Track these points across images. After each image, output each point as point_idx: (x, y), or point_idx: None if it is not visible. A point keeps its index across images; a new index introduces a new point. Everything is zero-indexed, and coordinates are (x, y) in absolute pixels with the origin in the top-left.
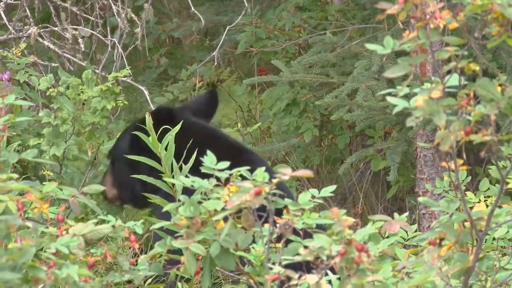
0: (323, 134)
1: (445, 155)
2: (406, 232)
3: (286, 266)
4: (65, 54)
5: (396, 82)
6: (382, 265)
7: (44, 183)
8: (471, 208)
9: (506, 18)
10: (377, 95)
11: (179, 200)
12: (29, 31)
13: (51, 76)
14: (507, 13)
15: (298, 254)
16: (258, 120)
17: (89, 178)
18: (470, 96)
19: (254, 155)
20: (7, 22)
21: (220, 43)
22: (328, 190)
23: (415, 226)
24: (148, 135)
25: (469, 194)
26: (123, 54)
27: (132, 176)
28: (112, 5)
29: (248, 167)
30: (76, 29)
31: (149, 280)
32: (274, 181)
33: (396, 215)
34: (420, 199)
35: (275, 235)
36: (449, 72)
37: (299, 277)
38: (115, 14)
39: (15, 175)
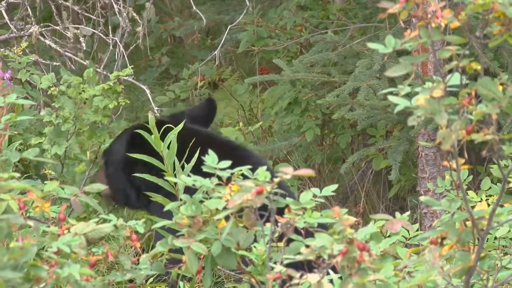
0: (325, 133)
1: (446, 154)
2: (408, 231)
3: (288, 265)
4: (66, 53)
5: (397, 81)
6: (383, 264)
7: (45, 182)
8: (473, 207)
9: (507, 17)
10: (379, 94)
11: (181, 199)
12: (31, 30)
13: (53, 75)
14: (509, 12)
15: (299, 253)
16: (259, 119)
17: (90, 177)
18: (471, 95)
19: (248, 151)
20: (8, 21)
21: (222, 42)
22: (329, 189)
23: (416, 225)
24: (151, 147)
25: (471, 193)
26: (124, 53)
27: (134, 175)
28: (114, 4)
29: (244, 165)
30: (77, 28)
31: (151, 279)
32: (276, 180)
33: (397, 214)
34: (422, 198)
35: (276, 234)
36: (450, 71)
37: (301, 276)
38: (117, 13)
39: (17, 174)
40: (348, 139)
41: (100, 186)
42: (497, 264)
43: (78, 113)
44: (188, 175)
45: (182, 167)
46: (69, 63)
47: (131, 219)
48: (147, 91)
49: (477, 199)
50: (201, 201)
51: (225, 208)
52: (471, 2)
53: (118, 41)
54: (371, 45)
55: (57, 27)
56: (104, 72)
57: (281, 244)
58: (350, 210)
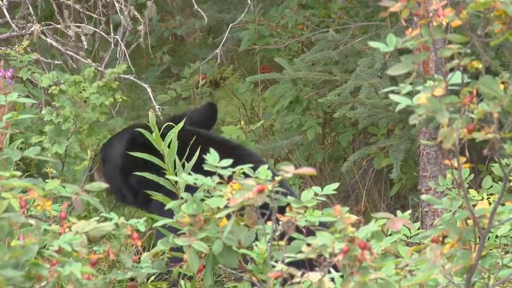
0: (326, 132)
1: (448, 153)
2: (409, 229)
3: (289, 264)
4: (68, 52)
5: (399, 80)
6: (385, 262)
7: (47, 180)
8: (474, 205)
9: (508, 16)
10: (380, 92)
11: (182, 198)
12: (32, 29)
13: (54, 74)
14: (510, 10)
15: (301, 251)
16: (261, 117)
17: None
18: (473, 94)
19: (247, 150)
20: (10, 20)
21: (223, 40)
22: (331, 188)
23: (418, 224)
24: (148, 146)
25: (472, 191)
26: (126, 52)
27: (135, 173)
28: (115, 2)
29: (244, 164)
30: (79, 27)
31: (152, 278)
32: (277, 178)
33: (399, 212)
34: (423, 196)
35: (278, 233)
36: (452, 70)
37: (302, 275)
38: (118, 11)
39: (18, 173)
40: (350, 137)
41: (101, 185)
42: (498, 263)
43: (78, 112)
44: (189, 174)
45: (182, 166)
46: (71, 61)
47: (132, 218)
48: (149, 90)
49: (478, 197)
50: (202, 200)
51: (226, 207)
52: (472, 0)
53: (119, 39)
54: (373, 44)
55: (59, 26)
56: (105, 71)
57: (282, 242)
58: (351, 209)
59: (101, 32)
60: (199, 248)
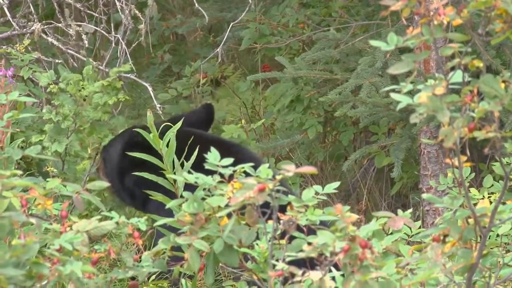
0: (327, 131)
1: (449, 152)
2: (410, 228)
3: (290, 263)
4: (68, 51)
5: (400, 79)
6: (386, 261)
7: (47, 179)
8: (475, 204)
9: (509, 14)
10: (381, 91)
11: (181, 197)
12: (33, 28)
13: (52, 72)
14: (511, 9)
15: (301, 250)
16: (262, 116)
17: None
18: (473, 93)
19: (244, 149)
20: (11, 19)
21: (224, 39)
22: (332, 187)
23: (419, 223)
24: (144, 147)
25: (473, 190)
26: (126, 51)
27: (133, 173)
28: (116, 1)
29: (242, 163)
30: (80, 26)
31: (153, 277)
32: (278, 177)
33: (400, 211)
34: (424, 195)
35: (278, 232)
36: (452, 68)
37: (303, 274)
38: (119, 10)
39: (19, 172)
40: (351, 136)
41: (102, 184)
42: (499, 262)
43: (77, 110)
44: (190, 172)
45: (181, 166)
46: (71, 60)
47: (133, 217)
48: (149, 89)
49: (479, 196)
50: (203, 199)
51: (227, 206)
52: None
53: (120, 38)
54: (373, 43)
55: (59, 25)
56: (107, 70)
57: (283, 241)
58: (352, 208)
59: (102, 31)
60: (200, 247)
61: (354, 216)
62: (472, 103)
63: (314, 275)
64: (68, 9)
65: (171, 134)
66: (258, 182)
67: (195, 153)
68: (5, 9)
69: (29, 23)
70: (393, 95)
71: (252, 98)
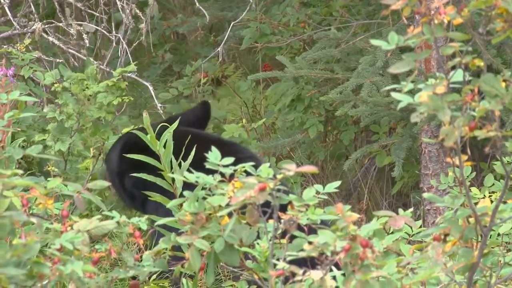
0: (328, 130)
1: (449, 151)
2: (411, 227)
3: (291, 262)
4: (69, 50)
5: (400, 78)
6: (386, 260)
7: (48, 179)
8: (476, 203)
9: (510, 13)
10: (382, 90)
11: (181, 197)
12: (34, 27)
13: (56, 71)
14: (511, 8)
15: (302, 250)
16: (263, 115)
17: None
18: (474, 92)
19: (240, 147)
20: (11, 18)
21: (225, 38)
22: (332, 186)
23: (419, 222)
24: (140, 148)
25: (474, 189)
26: (127, 50)
27: (131, 175)
28: (117, 0)
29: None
30: (80, 25)
31: (154, 276)
32: (279, 176)
33: (400, 210)
34: (425, 195)
35: (279, 231)
36: (453, 67)
37: (304, 273)
38: (120, 9)
39: (20, 171)
40: (351, 135)
41: (103, 183)
42: (500, 261)
43: (81, 109)
44: (190, 172)
45: (178, 166)
46: (72, 59)
47: (134, 216)
48: (150, 88)
49: (480, 195)
50: (204, 198)
51: (228, 205)
52: None
53: (121, 37)
54: (374, 42)
55: (60, 24)
56: (107, 69)
57: (284, 241)
58: (353, 207)
59: (103, 30)
60: (201, 247)
61: (355, 216)
62: (473, 102)
63: (315, 274)
64: (69, 9)
65: (168, 134)
66: (259, 182)
67: (193, 152)
68: (6, 8)
69: (30, 22)
70: (394, 94)
71: (253, 98)
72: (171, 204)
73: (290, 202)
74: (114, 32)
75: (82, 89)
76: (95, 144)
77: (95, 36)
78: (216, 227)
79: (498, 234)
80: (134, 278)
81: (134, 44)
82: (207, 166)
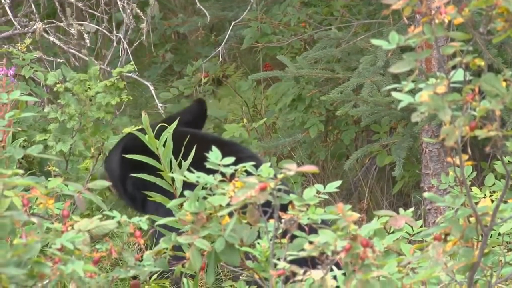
0: (329, 130)
1: (450, 151)
2: (412, 227)
3: (291, 262)
4: (70, 50)
5: (401, 77)
6: (387, 260)
7: (49, 178)
8: (477, 203)
9: (511, 13)
10: (383, 90)
11: (181, 196)
12: (35, 27)
13: (59, 72)
14: None
15: (303, 249)
16: (263, 115)
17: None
18: (475, 92)
19: (239, 146)
20: (12, 18)
21: (226, 38)
22: (333, 186)
23: (420, 222)
24: (140, 150)
25: (475, 189)
26: (128, 50)
27: (132, 176)
28: (118, 0)
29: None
30: (81, 25)
31: (154, 276)
32: (279, 176)
33: (401, 210)
34: (426, 194)
35: (280, 231)
36: (454, 67)
37: (304, 273)
38: (121, 9)
39: (21, 171)
40: (352, 135)
41: (104, 183)
42: (500, 260)
43: (83, 110)
44: (191, 171)
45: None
46: (73, 59)
47: (134, 216)
48: (151, 88)
49: (481, 195)
50: (205, 198)
51: (228, 205)
52: None
53: (122, 37)
54: (375, 42)
55: (61, 24)
56: (108, 69)
57: (284, 240)
58: (354, 207)
59: (104, 30)
60: (202, 246)
61: (356, 215)
62: (474, 102)
63: (316, 274)
64: (69, 8)
65: (167, 134)
66: (259, 181)
67: (193, 152)
68: (7, 8)
69: (30, 22)
70: (394, 94)
71: (253, 97)
72: (171, 204)
73: (290, 202)
74: (115, 32)
75: (84, 89)
76: (95, 144)
77: (96, 36)
78: (217, 226)
79: (499, 234)
80: (134, 278)
81: (135, 44)
82: (208, 166)
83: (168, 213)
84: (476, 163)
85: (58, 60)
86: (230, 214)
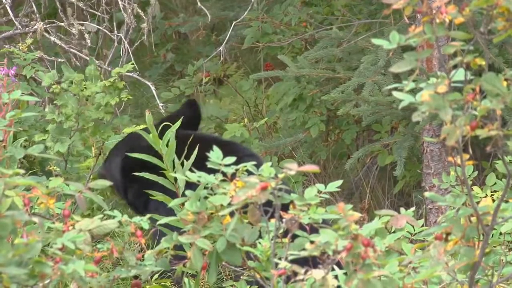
0: (330, 129)
1: (451, 150)
2: (413, 227)
3: (293, 261)
4: (71, 50)
5: (402, 77)
6: (388, 260)
7: (50, 178)
8: (478, 202)
9: (511, 12)
10: (384, 90)
11: (184, 195)
12: (36, 27)
13: (55, 72)
14: None
15: (304, 249)
16: (264, 115)
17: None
18: (476, 91)
19: (238, 145)
20: (13, 18)
21: (227, 38)
22: (334, 185)
23: (421, 221)
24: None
25: (476, 188)
26: (129, 50)
27: (134, 174)
28: (119, 0)
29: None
30: (82, 25)
31: (156, 276)
32: (280, 176)
33: (402, 210)
34: (427, 194)
35: (281, 230)
36: (455, 67)
37: (305, 272)
38: (121, 9)
39: (22, 171)
40: (353, 135)
41: (105, 182)
42: (502, 260)
43: (80, 110)
44: (192, 171)
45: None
46: (74, 59)
47: (135, 216)
48: (152, 88)
49: (482, 194)
50: (206, 197)
51: (229, 204)
52: None
53: (123, 37)
54: (376, 41)
55: (62, 24)
56: (109, 69)
57: (285, 240)
58: (355, 206)
59: (105, 30)
60: (203, 246)
61: (357, 215)
62: (474, 101)
63: (317, 273)
64: (70, 8)
65: (170, 134)
66: (260, 181)
67: (195, 152)
68: (8, 8)
69: (31, 22)
70: (395, 94)
71: (254, 97)
72: (173, 203)
73: (291, 201)
74: (116, 31)
75: (81, 89)
76: (96, 144)
77: (96, 36)
78: (218, 226)
79: (500, 233)
80: (136, 277)
81: (136, 44)
82: (209, 165)
83: (169, 213)
84: (477, 163)
85: (59, 60)
86: (231, 214)
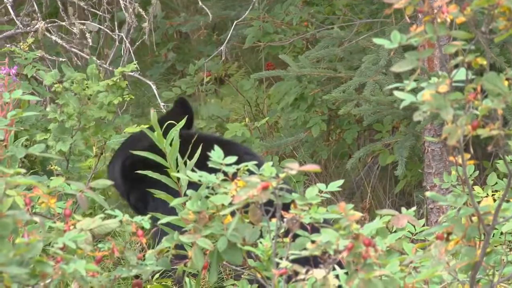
0: (331, 129)
1: (452, 150)
2: (414, 226)
3: (294, 261)
4: (72, 49)
5: (403, 77)
6: (389, 259)
7: (51, 178)
8: (479, 202)
9: None
10: (385, 89)
11: (185, 195)
12: (37, 26)
13: (56, 72)
14: None
15: (305, 248)
16: (266, 114)
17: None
18: (477, 91)
19: (237, 145)
20: (14, 17)
21: (228, 37)
22: (335, 185)
23: (422, 221)
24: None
25: (477, 188)
26: (130, 49)
27: (137, 172)
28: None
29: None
30: (83, 24)
31: (157, 275)
32: (281, 175)
33: (403, 209)
34: (428, 193)
35: (282, 230)
36: (456, 66)
37: (307, 272)
38: (123, 8)
39: (23, 170)
40: (354, 134)
41: (106, 182)
42: (503, 259)
43: (82, 109)
44: (194, 171)
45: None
46: (75, 58)
47: (136, 215)
48: (153, 87)
49: (483, 194)
50: (207, 197)
51: (230, 204)
52: None
53: (124, 36)
54: (377, 41)
55: (63, 23)
56: (110, 68)
57: (287, 239)
58: (356, 206)
59: (106, 29)
60: (204, 245)
61: (358, 214)
62: (476, 101)
63: (318, 273)
64: (71, 8)
65: (174, 133)
66: (261, 180)
67: (198, 152)
68: (9, 7)
69: (33, 21)
70: (396, 93)
71: (256, 96)
72: (174, 202)
73: (293, 201)
74: (117, 31)
75: (82, 88)
76: (97, 143)
77: (98, 35)
78: (219, 226)
79: (501, 233)
80: (137, 277)
81: (137, 43)
82: (210, 165)
83: (168, 214)
84: (478, 162)
85: (60, 59)
86: (233, 213)
